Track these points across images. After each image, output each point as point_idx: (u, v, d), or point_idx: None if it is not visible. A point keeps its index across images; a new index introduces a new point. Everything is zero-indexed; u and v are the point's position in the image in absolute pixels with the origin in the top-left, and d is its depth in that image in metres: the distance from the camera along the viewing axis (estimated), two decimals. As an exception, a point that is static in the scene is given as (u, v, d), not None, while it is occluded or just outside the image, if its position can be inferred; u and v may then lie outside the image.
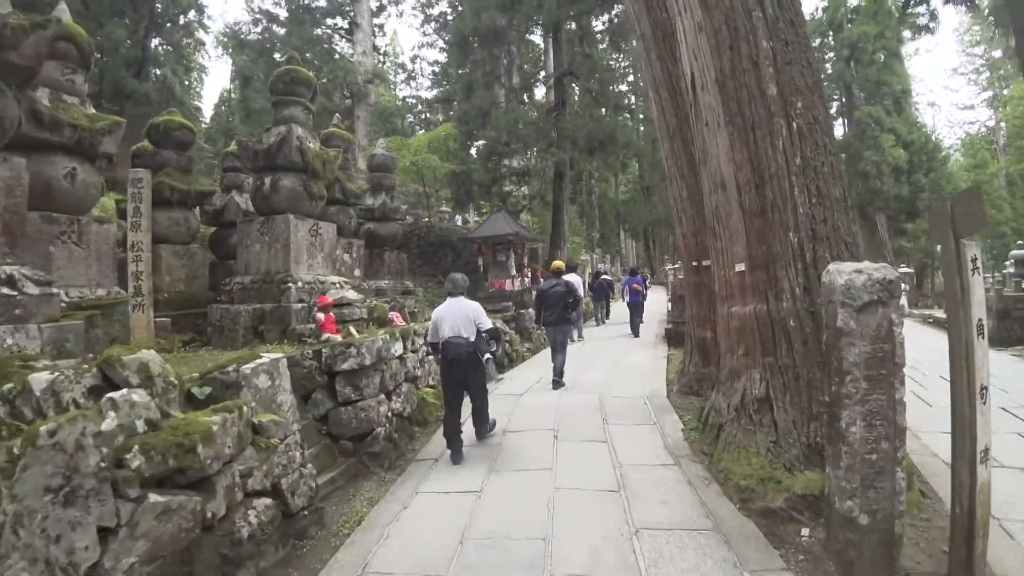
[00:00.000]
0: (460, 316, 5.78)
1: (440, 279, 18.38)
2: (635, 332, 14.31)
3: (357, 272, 13.49)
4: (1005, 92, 48.02)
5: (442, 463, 5.75)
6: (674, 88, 8.17)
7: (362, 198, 13.87)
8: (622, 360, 10.93)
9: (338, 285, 9.13)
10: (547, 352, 12.86)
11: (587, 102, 19.95)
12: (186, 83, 28.69)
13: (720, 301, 5.72)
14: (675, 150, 8.24)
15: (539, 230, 23.05)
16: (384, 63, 45.30)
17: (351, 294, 7.85)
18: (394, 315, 8.47)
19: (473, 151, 20.51)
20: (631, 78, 30.74)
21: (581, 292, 10.38)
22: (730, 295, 5.45)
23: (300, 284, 8.28)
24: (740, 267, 5.21)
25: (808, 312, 4.78)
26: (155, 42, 24.54)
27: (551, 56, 20.58)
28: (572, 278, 11.65)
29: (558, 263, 10.28)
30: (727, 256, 5.45)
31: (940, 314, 16.00)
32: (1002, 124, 51.05)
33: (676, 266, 31.02)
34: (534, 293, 16.86)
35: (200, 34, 28.42)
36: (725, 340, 5.65)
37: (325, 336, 6.44)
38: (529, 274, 15.95)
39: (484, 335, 5.81)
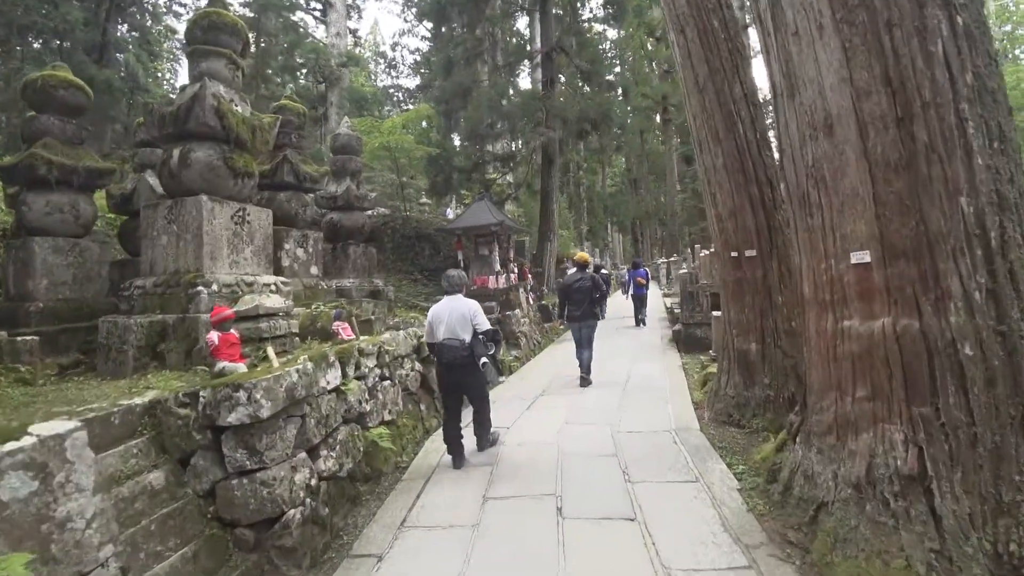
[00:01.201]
0: (456, 316, 5.26)
1: (416, 276, 16.25)
2: (640, 323, 14.20)
3: (314, 270, 11.35)
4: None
5: (401, 543, 3.70)
6: (705, 25, 6.12)
7: (320, 182, 11.69)
8: (632, 371, 8.91)
9: (273, 287, 7.01)
10: (542, 361, 10.85)
11: (577, 82, 17.86)
12: (153, 71, 26.20)
13: (816, 309, 3.67)
14: (706, 106, 6.20)
15: (526, 222, 20.97)
16: (365, 52, 42.90)
17: (273, 301, 5.73)
18: (339, 326, 6.35)
19: (456, 139, 18.38)
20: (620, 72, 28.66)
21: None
22: (839, 301, 3.41)
23: (216, 287, 6.14)
24: (861, 256, 3.18)
25: (996, 332, 2.77)
26: (123, 28, 22.15)
27: (538, 32, 18.43)
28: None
29: (583, 255, 9.08)
30: (832, 239, 3.41)
31: None
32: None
33: (673, 259, 29.11)
34: (543, 287, 14.78)
35: (171, 21, 25.92)
36: (825, 370, 3.61)
37: (220, 366, 4.31)
38: (516, 270, 13.89)
39: (481, 337, 5.23)
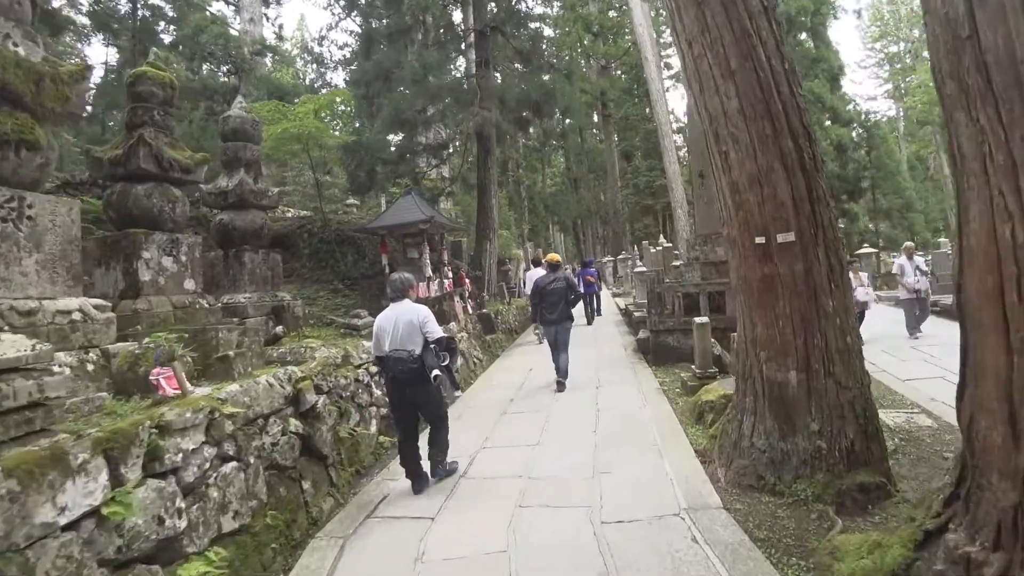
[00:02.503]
0: (403, 324, 4.47)
1: (337, 286, 13.62)
2: (589, 320, 13.89)
3: (189, 283, 8.64)
4: (907, 81, 48.19)
5: None
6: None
7: (196, 172, 8.97)
8: (601, 398, 6.77)
9: (78, 315, 4.48)
10: (483, 388, 8.52)
11: (515, 66, 15.68)
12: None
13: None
14: (709, 23, 4.09)
15: (463, 221, 18.65)
16: (292, 49, 39.50)
17: (15, 345, 3.17)
18: (159, 375, 3.85)
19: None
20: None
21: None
22: None
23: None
24: None
25: None
26: None
27: (471, 17, 16.12)
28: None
29: (554, 256, 8.58)
30: None
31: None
32: (901, 113, 51.78)
33: (621, 256, 27.44)
34: (511, 287, 15.46)
35: (69, 12, 22.07)
36: None
37: None
38: (451, 274, 11.57)
39: (433, 346, 4.39)
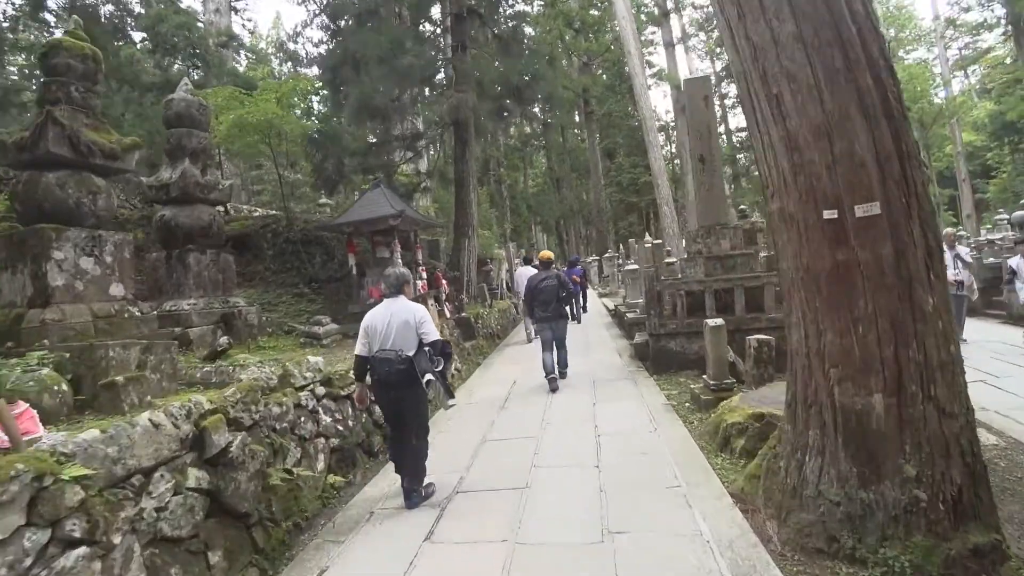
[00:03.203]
0: (397, 323, 4.05)
1: (303, 290, 12.31)
2: (577, 319, 12.17)
3: (117, 289, 7.36)
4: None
5: None
6: None
7: (125, 159, 7.64)
8: (600, 419, 5.60)
9: None
10: (464, 405, 7.22)
11: (492, 51, 14.46)
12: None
13: None
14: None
15: (442, 219, 17.42)
16: (267, 47, 37.95)
17: None
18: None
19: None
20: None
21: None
22: None
23: None
24: None
25: None
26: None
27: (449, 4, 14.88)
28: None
29: (546, 253, 8.47)
30: None
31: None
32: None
33: (607, 255, 26.32)
34: (511, 285, 14.86)
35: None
36: None
37: None
38: (425, 275, 10.34)
39: (428, 349, 4.02)
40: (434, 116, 12.82)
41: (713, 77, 44.48)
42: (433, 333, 4.09)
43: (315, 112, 14.26)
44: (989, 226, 19.70)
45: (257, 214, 16.65)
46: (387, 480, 4.66)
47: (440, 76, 13.75)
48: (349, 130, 12.14)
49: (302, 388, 4.88)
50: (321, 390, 5.03)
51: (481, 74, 11.21)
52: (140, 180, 9.45)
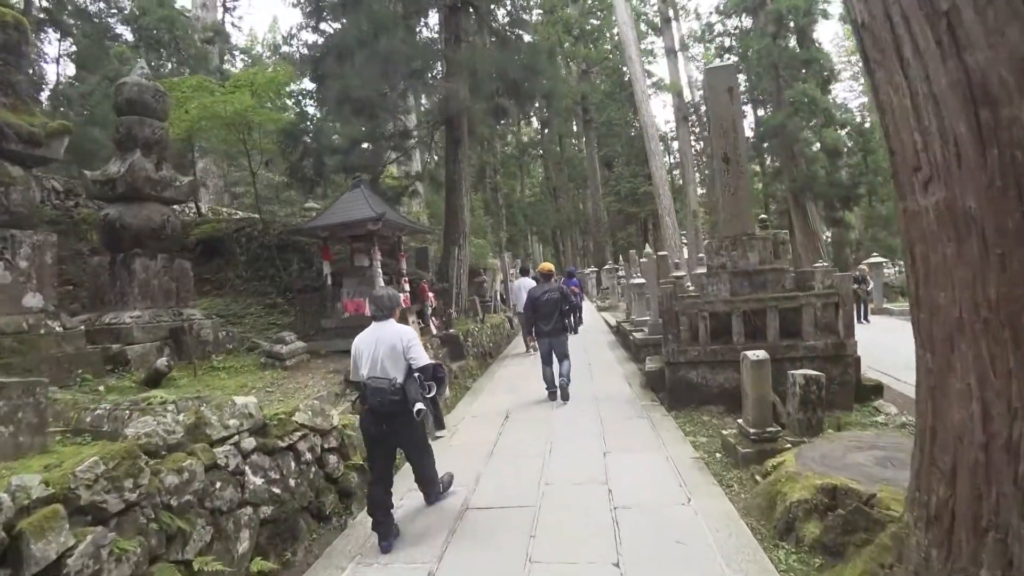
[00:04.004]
0: (384, 347, 3.76)
1: (275, 300, 11.03)
2: (573, 330, 11.05)
3: (31, 299, 6.14)
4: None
5: None
6: None
7: (50, 146, 6.37)
8: (616, 484, 4.28)
9: None
10: (453, 442, 5.93)
11: (489, 48, 13.27)
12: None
13: None
14: None
15: (434, 225, 16.17)
16: (263, 52, 36.75)
17: None
18: None
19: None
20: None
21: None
22: None
23: None
24: None
25: None
26: None
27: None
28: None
29: (546, 265, 8.02)
30: None
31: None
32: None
33: (608, 266, 24.96)
34: (506, 297, 14.17)
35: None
36: None
37: None
38: (408, 287, 9.07)
39: (418, 375, 3.70)
40: (425, 116, 11.59)
41: (712, 89, 43.65)
42: (422, 358, 3.76)
43: (308, 114, 12.96)
44: None
45: (237, 217, 15.38)
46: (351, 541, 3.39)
47: (432, 73, 12.55)
48: (330, 125, 10.90)
49: (222, 441, 3.60)
50: (250, 442, 3.75)
51: (476, 67, 10.03)
52: (84, 174, 8.14)
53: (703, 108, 40.15)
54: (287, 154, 10.84)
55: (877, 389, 6.78)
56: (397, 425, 3.74)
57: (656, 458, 4.73)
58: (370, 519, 3.74)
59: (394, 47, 8.48)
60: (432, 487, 4.18)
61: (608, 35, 36.70)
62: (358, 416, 4.13)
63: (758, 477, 4.33)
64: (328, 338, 8.58)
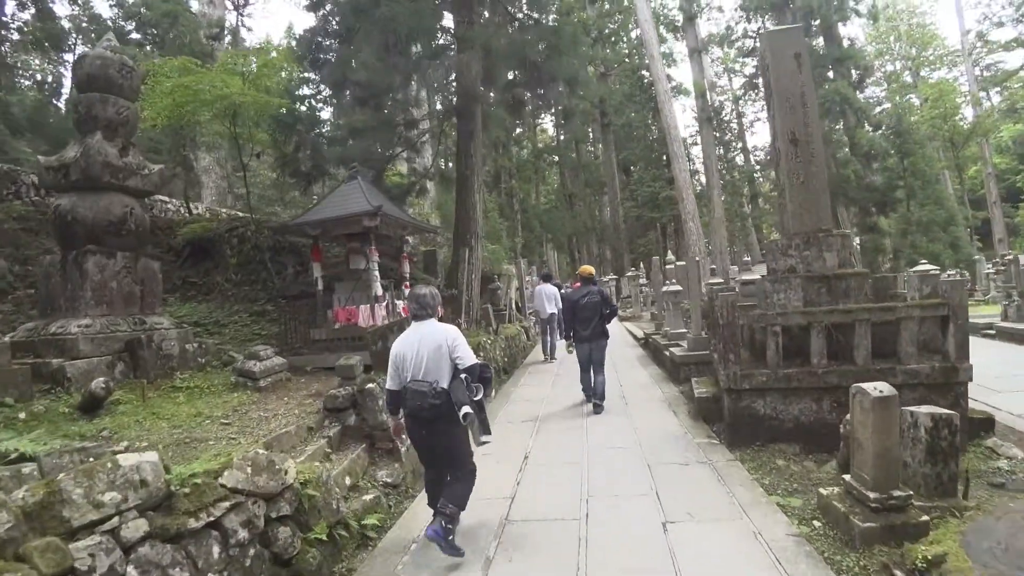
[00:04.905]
0: (429, 349, 3.43)
1: (265, 307, 9.76)
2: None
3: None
4: (906, 99, 45.05)
5: None
6: None
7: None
8: (683, 563, 2.88)
9: None
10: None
11: (505, 28, 11.88)
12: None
13: None
14: None
15: (442, 227, 14.88)
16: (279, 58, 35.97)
17: None
18: None
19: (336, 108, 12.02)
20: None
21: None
22: None
23: None
24: None
25: None
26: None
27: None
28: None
29: (587, 268, 7.48)
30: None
31: None
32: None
33: (630, 273, 23.45)
34: (521, 306, 13.78)
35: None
36: None
37: None
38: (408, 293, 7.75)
39: (464, 377, 3.37)
40: (435, 109, 10.30)
41: (730, 94, 42.11)
42: (469, 356, 3.47)
43: (304, 99, 11.71)
44: None
45: (235, 215, 14.21)
46: None
47: (440, 43, 11.24)
48: (329, 113, 9.70)
49: (90, 528, 2.28)
50: (138, 526, 2.42)
51: (490, 46, 8.71)
52: (38, 160, 6.96)
53: (725, 112, 38.71)
54: (280, 145, 9.62)
55: (987, 423, 5.33)
56: (440, 431, 3.40)
57: (739, 534, 3.31)
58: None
59: (396, 12, 7.19)
60: (453, 508, 3.36)
61: (627, 38, 35.42)
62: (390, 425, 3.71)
63: (899, 574, 2.91)
64: (316, 352, 7.28)
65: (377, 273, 7.25)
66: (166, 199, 14.26)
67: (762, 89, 23.49)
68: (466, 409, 3.25)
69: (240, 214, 15.21)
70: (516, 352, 11.17)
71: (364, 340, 6.39)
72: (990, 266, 18.88)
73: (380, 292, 7.16)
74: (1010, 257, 17.01)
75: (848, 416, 4.32)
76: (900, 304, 5.09)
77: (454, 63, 8.15)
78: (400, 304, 7.44)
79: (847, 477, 3.70)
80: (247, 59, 9.52)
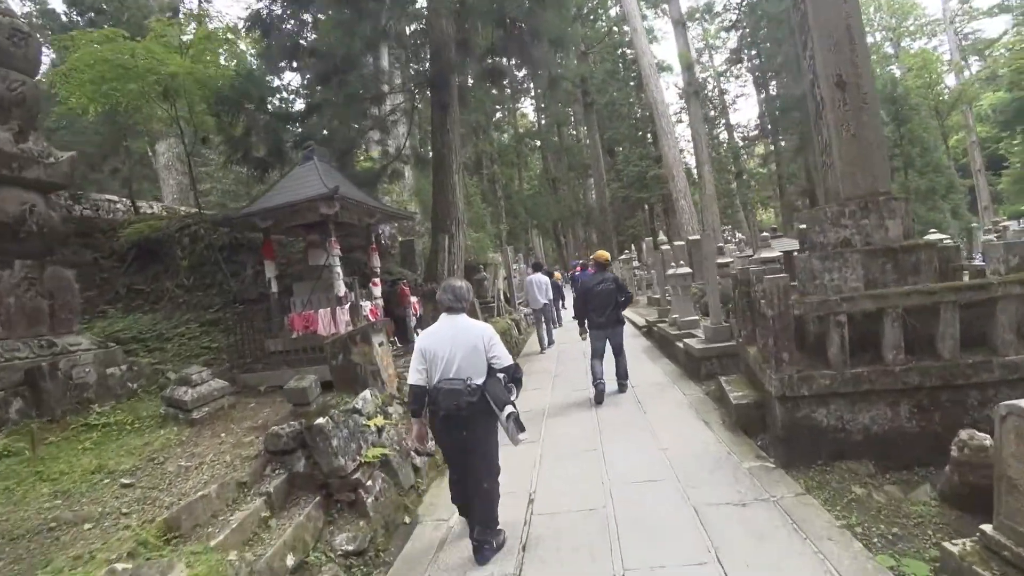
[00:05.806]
0: (463, 349, 3.24)
1: (218, 313, 8.47)
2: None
3: None
4: (887, 70, 44.24)
5: None
6: None
7: None
8: None
9: None
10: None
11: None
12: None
13: None
14: None
15: (420, 216, 13.63)
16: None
17: None
18: None
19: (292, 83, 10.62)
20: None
21: None
22: None
23: None
24: None
25: None
26: None
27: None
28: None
29: (602, 253, 7.16)
30: None
31: None
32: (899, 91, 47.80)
33: (624, 256, 22.23)
34: (510, 297, 13.65)
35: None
36: None
37: None
38: (378, 292, 6.53)
39: (501, 376, 3.26)
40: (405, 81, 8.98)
41: (712, 71, 40.92)
42: (506, 357, 3.31)
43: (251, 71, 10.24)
44: None
45: (191, 212, 12.81)
46: None
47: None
48: (282, 88, 8.35)
49: None
50: None
51: (466, 1, 7.42)
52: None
53: (708, 88, 37.53)
54: (225, 127, 8.28)
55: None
56: (473, 430, 3.23)
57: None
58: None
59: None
60: (491, 521, 3.32)
61: (606, 16, 34.10)
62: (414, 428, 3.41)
63: None
64: (272, 367, 6.06)
65: (339, 270, 6.02)
66: (114, 198, 12.82)
67: (793, 27, 22.66)
68: (510, 409, 3.15)
69: (197, 211, 13.81)
70: (509, 348, 10.03)
71: (323, 350, 5.18)
72: (992, 233, 18.06)
73: (343, 292, 5.92)
74: (1005, 224, 16.21)
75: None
76: (995, 280, 3.98)
77: (426, 24, 6.86)
78: (367, 305, 6.22)
79: (988, 529, 2.60)
80: (183, 28, 8.12)
